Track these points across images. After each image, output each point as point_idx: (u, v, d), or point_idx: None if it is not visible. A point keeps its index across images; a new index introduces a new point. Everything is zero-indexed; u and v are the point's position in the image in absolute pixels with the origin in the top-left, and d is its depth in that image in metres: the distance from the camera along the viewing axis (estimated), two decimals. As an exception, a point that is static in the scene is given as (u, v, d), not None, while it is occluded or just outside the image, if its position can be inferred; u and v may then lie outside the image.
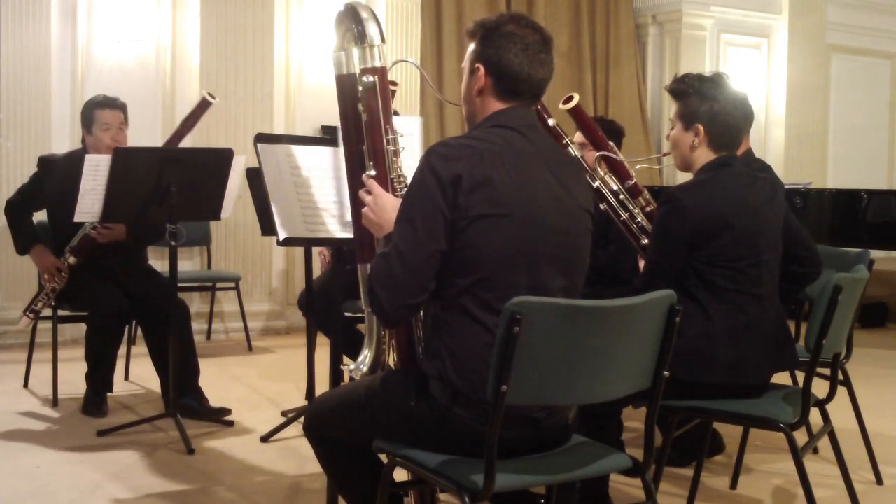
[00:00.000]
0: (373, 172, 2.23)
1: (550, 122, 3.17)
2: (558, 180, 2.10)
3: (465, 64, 2.20)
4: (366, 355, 2.35)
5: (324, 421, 2.25)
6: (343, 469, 2.29)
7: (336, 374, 3.44)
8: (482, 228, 1.97)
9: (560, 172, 2.12)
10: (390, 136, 2.25)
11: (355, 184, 2.30)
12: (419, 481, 2.25)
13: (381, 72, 2.26)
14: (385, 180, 2.23)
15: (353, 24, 2.29)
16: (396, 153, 2.26)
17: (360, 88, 2.26)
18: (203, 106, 3.98)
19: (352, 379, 2.38)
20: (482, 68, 2.12)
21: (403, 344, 2.25)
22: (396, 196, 2.21)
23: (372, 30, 2.28)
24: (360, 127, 2.28)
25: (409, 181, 2.19)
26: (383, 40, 2.30)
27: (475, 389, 1.93)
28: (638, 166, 3.43)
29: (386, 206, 2.17)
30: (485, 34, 2.13)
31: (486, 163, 1.99)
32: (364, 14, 2.31)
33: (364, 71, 2.26)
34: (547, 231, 2.04)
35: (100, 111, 4.13)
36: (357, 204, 2.27)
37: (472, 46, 2.17)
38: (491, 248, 1.98)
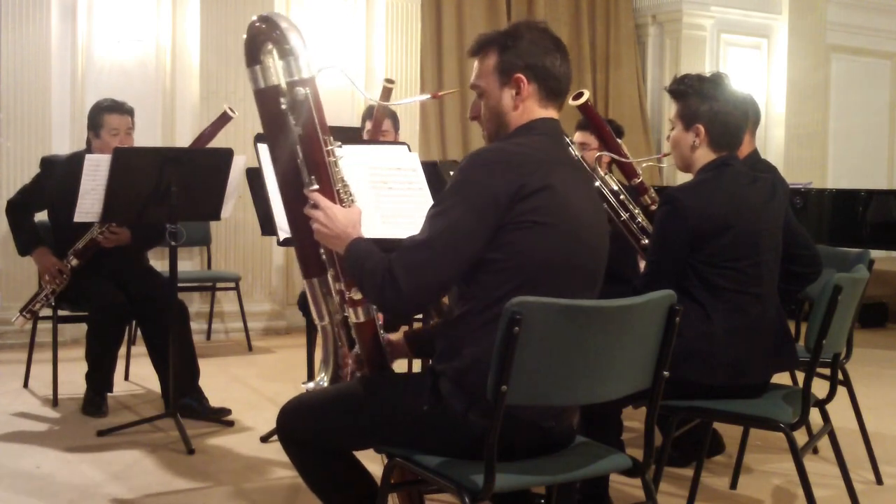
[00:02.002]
0: (316, 186, 2.15)
1: None
2: (587, 191, 2.14)
3: (484, 80, 2.14)
4: (322, 376, 2.28)
5: (310, 421, 2.18)
6: (326, 474, 2.23)
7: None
8: (528, 235, 1.97)
9: (586, 181, 2.16)
10: (329, 147, 2.17)
11: (292, 200, 2.21)
12: (415, 481, 2.25)
13: (312, 82, 2.16)
14: (331, 192, 2.16)
15: (272, 35, 2.16)
16: (336, 163, 2.18)
17: (288, 100, 2.14)
18: (223, 120, 3.98)
19: None
20: (524, 77, 2.10)
21: (372, 350, 2.22)
22: (344, 206, 2.16)
23: (295, 39, 2.16)
24: (290, 141, 2.17)
25: (352, 189, 2.19)
26: (307, 48, 2.18)
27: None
28: (644, 165, 3.44)
29: (339, 218, 2.12)
30: (510, 44, 2.11)
31: (544, 171, 1.99)
32: (283, 24, 2.18)
33: (293, 84, 2.14)
34: (582, 244, 2.05)
35: (108, 116, 4.13)
36: (298, 221, 2.19)
37: (492, 59, 2.12)
38: (532, 255, 1.98)
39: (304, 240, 2.21)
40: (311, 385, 2.30)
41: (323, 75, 2.19)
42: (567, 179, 2.05)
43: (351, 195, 2.20)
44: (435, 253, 1.96)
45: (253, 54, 2.20)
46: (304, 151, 2.16)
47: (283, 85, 2.15)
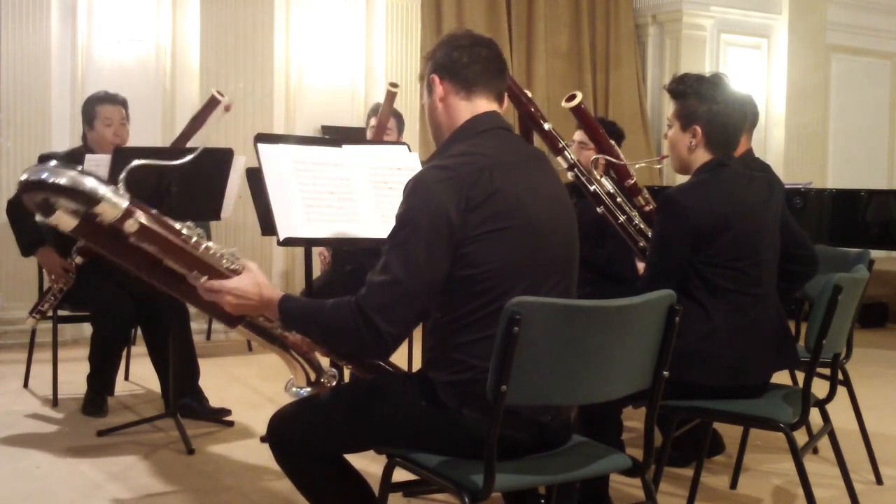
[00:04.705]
0: (204, 278, 2.08)
1: (546, 126, 3.16)
2: (544, 179, 2.12)
3: (424, 98, 2.22)
4: (296, 387, 2.28)
5: (304, 428, 2.16)
6: (322, 480, 2.22)
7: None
8: (490, 245, 1.97)
9: (542, 169, 2.14)
10: (193, 241, 2.08)
11: (184, 292, 2.15)
12: (415, 481, 2.24)
13: (136, 208, 2.03)
14: (220, 273, 2.10)
15: (69, 192, 1.94)
16: (207, 245, 2.09)
17: (109, 221, 1.99)
18: (212, 104, 3.96)
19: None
20: (436, 77, 2.15)
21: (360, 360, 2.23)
22: (239, 273, 2.11)
23: (91, 185, 1.95)
24: (140, 254, 2.07)
25: (241, 257, 2.15)
26: (106, 181, 1.99)
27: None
28: (637, 166, 3.43)
29: (247, 288, 2.08)
30: (431, 56, 2.19)
31: (486, 178, 1.98)
32: (64, 181, 1.92)
33: (120, 221, 1.99)
34: (546, 234, 2.04)
35: (101, 106, 4.14)
36: (197, 301, 2.15)
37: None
38: (502, 262, 1.97)
39: (211, 308, 2.16)
40: (293, 390, 2.29)
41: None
42: (515, 175, 2.03)
43: (234, 256, 2.13)
44: (404, 290, 1.94)
45: (44, 210, 2.00)
46: (171, 258, 2.08)
47: (93, 210, 1.96)
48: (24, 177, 1.96)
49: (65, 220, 1.99)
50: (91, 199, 1.95)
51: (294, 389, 2.28)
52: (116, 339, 4.11)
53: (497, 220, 1.97)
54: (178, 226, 2.09)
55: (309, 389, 2.28)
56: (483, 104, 2.14)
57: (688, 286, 2.65)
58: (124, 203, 2.00)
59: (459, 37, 2.19)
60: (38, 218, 3.64)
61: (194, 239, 2.09)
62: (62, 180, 1.93)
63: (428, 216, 1.95)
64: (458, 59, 2.13)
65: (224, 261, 2.12)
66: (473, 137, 2.08)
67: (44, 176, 1.94)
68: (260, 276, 2.13)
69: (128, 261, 2.11)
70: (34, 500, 3.09)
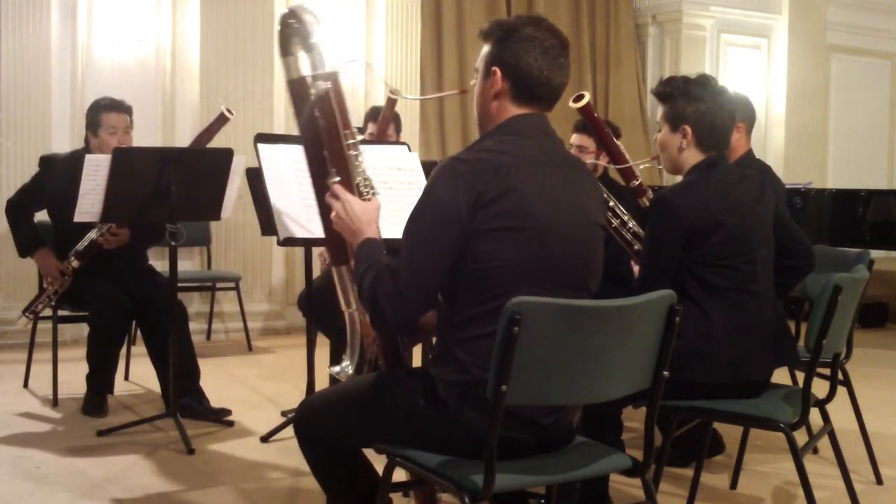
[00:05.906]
0: (337, 178, 2.19)
1: None
2: (571, 186, 2.08)
3: (479, 65, 2.14)
4: (347, 363, 2.31)
5: (320, 420, 2.22)
6: (335, 470, 2.26)
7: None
8: (497, 242, 1.96)
9: (571, 177, 2.10)
10: (350, 142, 2.20)
11: (321, 189, 2.25)
12: (419, 481, 2.25)
13: (335, 77, 2.22)
14: (350, 186, 2.19)
15: (298, 27, 2.23)
16: (358, 157, 2.21)
17: (314, 93, 2.21)
18: (220, 120, 3.98)
19: (335, 381, 2.36)
20: (499, 71, 2.08)
21: (388, 347, 2.24)
22: (363, 199, 2.19)
23: (318, 33, 2.23)
24: (318, 132, 2.23)
25: (375, 185, 2.23)
26: (329, 43, 2.26)
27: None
28: (642, 166, 3.44)
29: (356, 211, 2.15)
30: (502, 36, 2.08)
31: (503, 175, 1.97)
32: (308, 17, 2.24)
33: (316, 77, 2.21)
34: (556, 241, 2.02)
35: (106, 114, 4.13)
36: (326, 210, 2.22)
37: (486, 47, 2.12)
38: (506, 261, 1.97)
39: (332, 229, 2.24)
40: (336, 369, 2.33)
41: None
42: (535, 177, 2.01)
43: (372, 189, 2.23)
44: (412, 278, 1.97)
45: (284, 46, 2.27)
46: (326, 144, 2.21)
47: (309, 77, 2.21)
48: (288, 6, 2.27)
49: (289, 70, 2.25)
50: (313, 45, 2.22)
51: (342, 367, 2.31)
52: (113, 338, 4.11)
53: (506, 219, 1.97)
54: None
55: (351, 374, 2.31)
56: (529, 110, 2.11)
57: (684, 286, 2.65)
58: (331, 68, 2.22)
59: (543, 38, 2.06)
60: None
61: (353, 140, 2.22)
62: (307, 17, 2.25)
63: (438, 208, 1.97)
64: (526, 69, 2.06)
65: (359, 178, 2.22)
66: (506, 136, 2.07)
67: (298, 8, 2.28)
68: (375, 215, 2.18)
69: (298, 119, 2.28)
70: (34, 500, 3.09)
